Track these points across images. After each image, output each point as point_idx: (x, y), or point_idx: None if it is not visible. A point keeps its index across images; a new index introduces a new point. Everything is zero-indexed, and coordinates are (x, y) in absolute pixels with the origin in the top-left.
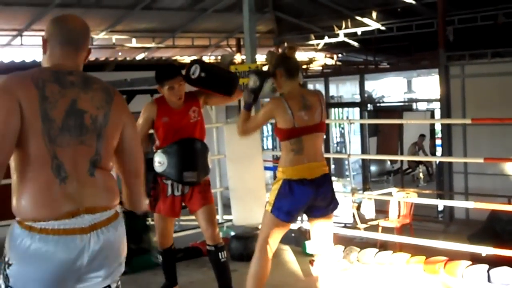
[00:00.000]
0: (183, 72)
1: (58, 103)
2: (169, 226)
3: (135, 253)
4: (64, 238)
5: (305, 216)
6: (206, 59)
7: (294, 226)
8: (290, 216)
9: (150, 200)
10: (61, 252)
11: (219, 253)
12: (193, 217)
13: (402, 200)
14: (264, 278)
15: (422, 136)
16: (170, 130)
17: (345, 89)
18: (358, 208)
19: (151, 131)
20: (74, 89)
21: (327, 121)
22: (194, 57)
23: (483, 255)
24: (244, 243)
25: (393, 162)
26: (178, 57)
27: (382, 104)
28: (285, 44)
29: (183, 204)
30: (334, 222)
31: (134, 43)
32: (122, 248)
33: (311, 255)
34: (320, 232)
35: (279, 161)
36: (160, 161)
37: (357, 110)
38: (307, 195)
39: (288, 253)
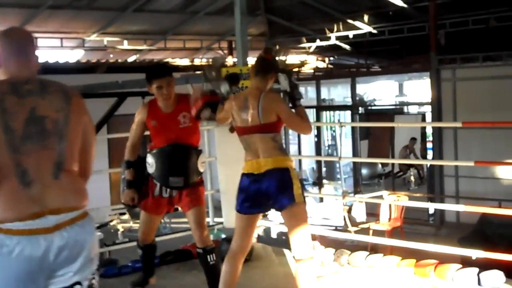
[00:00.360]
0: (193, 111)
1: (17, 113)
2: (152, 224)
3: None
4: (28, 237)
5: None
6: (197, 61)
7: (284, 228)
8: (243, 207)
9: (139, 196)
10: (26, 251)
11: (208, 256)
12: (184, 219)
13: (393, 203)
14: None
15: (413, 139)
16: (159, 133)
17: (337, 92)
18: (349, 211)
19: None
20: (32, 97)
21: (318, 124)
22: (186, 60)
23: (473, 258)
24: None
25: (384, 165)
26: (169, 59)
27: (373, 107)
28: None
29: (176, 206)
30: (325, 225)
31: (125, 45)
32: (91, 245)
33: None
34: (288, 229)
35: None
36: (149, 163)
37: (348, 113)
38: (252, 187)
39: (277, 256)
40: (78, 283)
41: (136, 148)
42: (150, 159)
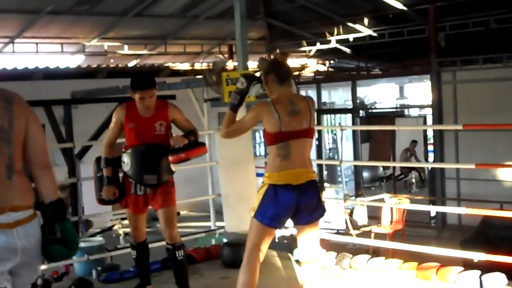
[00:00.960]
0: (172, 159)
1: None
2: (138, 222)
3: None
4: None
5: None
6: (198, 66)
7: (286, 232)
8: (274, 221)
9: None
10: None
11: (177, 251)
12: (184, 224)
13: (394, 206)
14: (253, 287)
15: (414, 142)
16: (135, 136)
17: (337, 95)
18: (351, 214)
19: None
20: None
21: (319, 128)
22: (187, 64)
23: (475, 261)
24: (236, 250)
25: (385, 168)
26: (170, 64)
27: (374, 110)
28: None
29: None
30: (327, 229)
31: (126, 50)
32: (39, 244)
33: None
34: (307, 239)
35: (266, 167)
36: (125, 161)
37: (349, 116)
38: (291, 200)
39: (280, 260)
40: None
41: (113, 147)
42: (125, 158)
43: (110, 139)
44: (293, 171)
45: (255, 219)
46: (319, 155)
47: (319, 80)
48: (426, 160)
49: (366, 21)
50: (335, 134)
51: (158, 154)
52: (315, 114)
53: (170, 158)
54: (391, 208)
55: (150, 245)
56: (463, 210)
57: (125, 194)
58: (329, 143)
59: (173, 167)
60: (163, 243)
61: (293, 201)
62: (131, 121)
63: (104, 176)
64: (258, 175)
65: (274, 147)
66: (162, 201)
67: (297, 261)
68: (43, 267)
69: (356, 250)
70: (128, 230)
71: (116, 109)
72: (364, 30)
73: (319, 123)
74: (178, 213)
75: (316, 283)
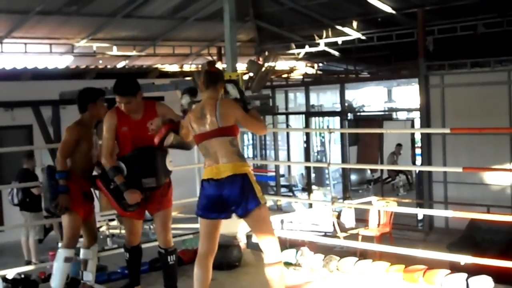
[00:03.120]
0: (156, 139)
1: None
2: (135, 227)
3: None
4: None
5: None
6: (187, 67)
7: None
8: (203, 211)
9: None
10: None
11: (169, 256)
12: (173, 225)
13: (382, 209)
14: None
15: (399, 145)
16: (129, 139)
17: (326, 98)
18: (338, 217)
19: None
20: None
21: (307, 130)
22: (176, 66)
23: (462, 263)
24: (223, 252)
25: (373, 171)
26: (159, 65)
27: (362, 113)
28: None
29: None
30: (314, 231)
31: (115, 51)
32: None
33: (291, 264)
34: (253, 231)
35: None
36: (123, 168)
37: (337, 119)
38: (212, 192)
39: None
40: None
41: (114, 154)
42: (121, 165)
43: (110, 148)
44: (212, 167)
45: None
46: (307, 158)
47: (307, 82)
48: (414, 163)
49: (355, 24)
50: (323, 137)
51: (152, 156)
52: (231, 111)
53: (155, 140)
54: (379, 211)
55: None
56: (450, 213)
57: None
58: (317, 146)
59: (170, 167)
60: (151, 244)
61: (215, 193)
62: (124, 124)
63: (119, 183)
64: None
65: (198, 147)
66: (159, 204)
67: (288, 263)
68: (30, 267)
69: (343, 252)
70: (115, 231)
71: (106, 115)
72: (352, 33)
73: (307, 125)
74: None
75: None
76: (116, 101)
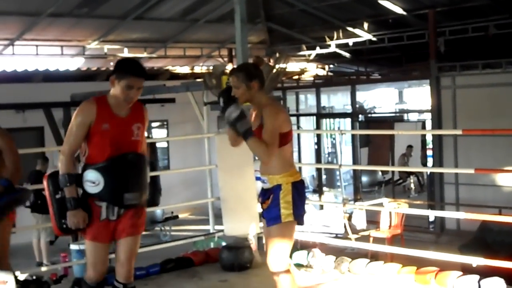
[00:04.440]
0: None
1: None
2: (105, 255)
3: None
4: None
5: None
6: (198, 69)
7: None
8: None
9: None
10: None
11: None
12: (183, 227)
13: (393, 210)
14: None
15: (409, 147)
16: (109, 141)
17: (337, 99)
18: (349, 218)
19: None
20: None
21: (318, 132)
22: (187, 68)
23: (474, 265)
24: (235, 254)
25: (384, 172)
26: (170, 67)
27: (373, 115)
28: (277, 55)
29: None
30: (326, 233)
31: (126, 53)
32: None
33: (303, 265)
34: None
35: (274, 168)
36: (94, 181)
37: (348, 120)
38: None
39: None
40: None
41: (75, 157)
42: (93, 176)
43: (73, 147)
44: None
45: (293, 221)
46: (318, 159)
47: (318, 84)
48: (425, 164)
49: (365, 25)
50: (334, 139)
51: (140, 166)
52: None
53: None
54: (390, 213)
55: (149, 248)
56: (461, 215)
57: (91, 223)
58: (328, 147)
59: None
60: (162, 246)
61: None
62: (105, 121)
63: (68, 198)
64: (258, 178)
65: (288, 146)
66: (131, 227)
67: (297, 264)
68: (42, 269)
69: (354, 254)
70: None
71: (80, 106)
72: (363, 34)
73: (318, 127)
74: (177, 217)
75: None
76: (122, 85)
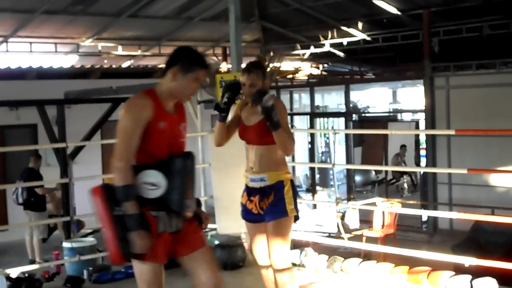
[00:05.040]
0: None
1: None
2: (162, 275)
3: None
4: None
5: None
6: None
7: None
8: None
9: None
10: None
11: None
12: None
13: (386, 210)
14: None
15: (403, 146)
16: (165, 140)
17: (331, 99)
18: (343, 218)
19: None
20: None
21: (312, 131)
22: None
23: (466, 265)
24: (228, 252)
25: (377, 172)
26: (164, 66)
27: (367, 115)
28: (271, 54)
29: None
30: (319, 232)
31: (120, 50)
32: None
33: (295, 264)
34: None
35: (275, 165)
36: (154, 182)
37: (342, 120)
38: None
39: None
40: None
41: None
42: (154, 177)
43: (131, 151)
44: None
45: (296, 215)
46: (312, 159)
47: (312, 83)
48: (418, 164)
49: (360, 25)
50: (327, 138)
51: (195, 171)
52: None
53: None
54: (383, 212)
55: None
56: (454, 215)
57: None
58: (321, 147)
59: None
60: None
61: None
62: (161, 118)
63: (131, 214)
64: None
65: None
66: (196, 241)
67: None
68: (34, 266)
69: (347, 253)
70: None
71: (132, 102)
72: (358, 34)
73: (312, 126)
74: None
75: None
76: (192, 78)
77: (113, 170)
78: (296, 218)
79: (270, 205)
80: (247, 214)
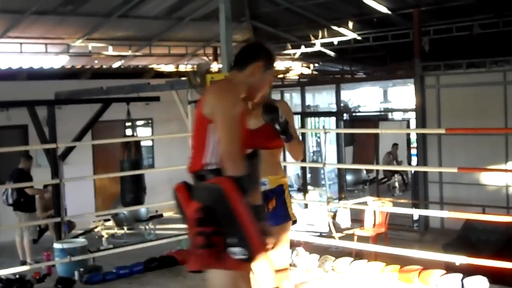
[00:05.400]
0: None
1: None
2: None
3: None
4: None
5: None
6: (182, 67)
7: None
8: None
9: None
10: None
11: None
12: (167, 226)
13: (377, 209)
14: None
15: (395, 145)
16: (246, 133)
17: (321, 98)
18: (334, 217)
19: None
20: None
21: (303, 131)
22: (171, 66)
23: (457, 264)
24: None
25: (368, 171)
26: (154, 66)
27: (358, 114)
28: None
29: None
30: (310, 231)
31: (110, 51)
32: None
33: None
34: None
35: (274, 169)
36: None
37: (333, 119)
38: None
39: None
40: None
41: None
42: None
43: (241, 141)
44: None
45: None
46: (303, 158)
47: (303, 83)
48: (409, 163)
49: (350, 24)
50: (319, 137)
51: None
52: None
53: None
54: (374, 211)
55: (134, 247)
56: (445, 214)
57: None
58: (313, 146)
59: None
60: (146, 244)
61: None
62: (245, 113)
63: (260, 204)
64: None
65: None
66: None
67: None
68: (25, 268)
69: (339, 253)
70: (110, 232)
71: (230, 89)
72: (348, 33)
73: (303, 125)
74: (161, 215)
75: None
76: (266, 74)
77: (231, 158)
78: (294, 222)
79: (273, 209)
80: None
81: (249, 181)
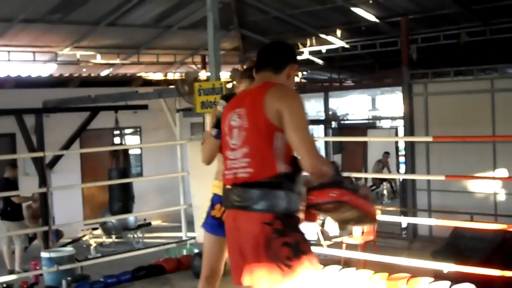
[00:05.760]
0: None
1: None
2: None
3: None
4: None
5: None
6: (171, 76)
7: None
8: None
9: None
10: None
11: None
12: (156, 234)
13: None
14: None
15: (386, 153)
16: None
17: (310, 106)
18: (322, 225)
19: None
20: None
21: None
22: (160, 74)
23: (446, 271)
24: None
25: (357, 179)
26: (142, 74)
27: (346, 122)
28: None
29: None
30: None
31: (98, 59)
32: None
33: None
34: None
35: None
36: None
37: (321, 127)
38: None
39: None
40: None
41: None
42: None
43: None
44: None
45: None
46: None
47: None
48: (398, 171)
49: (338, 33)
50: None
51: None
52: None
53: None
54: None
55: (122, 256)
56: (433, 222)
57: None
58: None
59: None
60: (135, 253)
61: None
62: None
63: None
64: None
65: None
66: None
67: None
68: (13, 277)
69: (327, 261)
70: (99, 240)
71: (298, 95)
72: (336, 41)
73: None
74: (149, 224)
75: None
76: (292, 73)
77: (319, 164)
78: None
79: None
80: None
81: (342, 176)
